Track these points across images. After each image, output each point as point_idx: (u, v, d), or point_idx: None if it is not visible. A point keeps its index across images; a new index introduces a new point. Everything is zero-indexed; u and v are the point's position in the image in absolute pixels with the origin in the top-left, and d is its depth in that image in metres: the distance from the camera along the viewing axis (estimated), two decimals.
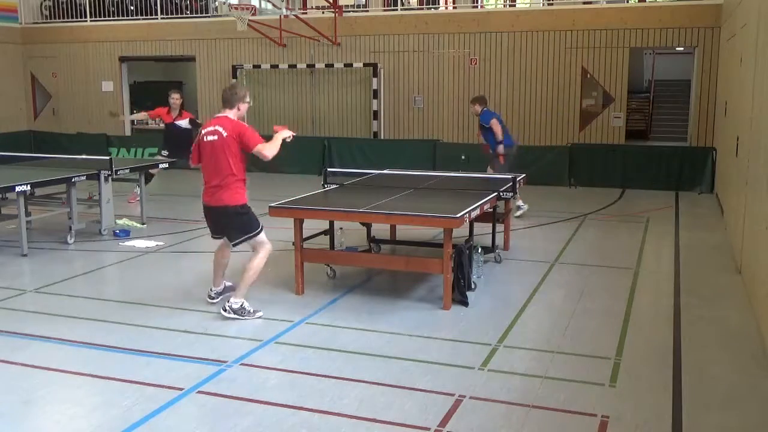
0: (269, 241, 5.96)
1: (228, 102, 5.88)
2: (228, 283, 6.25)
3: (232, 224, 5.84)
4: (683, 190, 12.40)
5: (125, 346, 5.23)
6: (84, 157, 10.29)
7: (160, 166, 10.58)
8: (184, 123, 10.90)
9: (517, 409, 4.19)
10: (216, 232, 6.03)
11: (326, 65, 15.37)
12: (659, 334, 5.50)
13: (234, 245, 5.94)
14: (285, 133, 6.00)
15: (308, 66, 15.52)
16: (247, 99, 5.95)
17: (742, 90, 8.10)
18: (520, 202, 9.94)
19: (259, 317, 5.83)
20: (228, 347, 5.21)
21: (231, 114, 5.87)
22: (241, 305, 5.81)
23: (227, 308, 5.80)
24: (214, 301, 6.14)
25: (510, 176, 7.51)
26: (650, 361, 4.97)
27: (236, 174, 5.79)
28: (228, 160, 5.75)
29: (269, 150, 5.83)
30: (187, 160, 6.48)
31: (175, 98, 10.98)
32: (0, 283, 6.89)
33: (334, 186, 7.70)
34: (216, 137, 5.74)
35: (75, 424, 4.03)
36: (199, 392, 4.43)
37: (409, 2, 18.67)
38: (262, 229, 5.88)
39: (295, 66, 15.61)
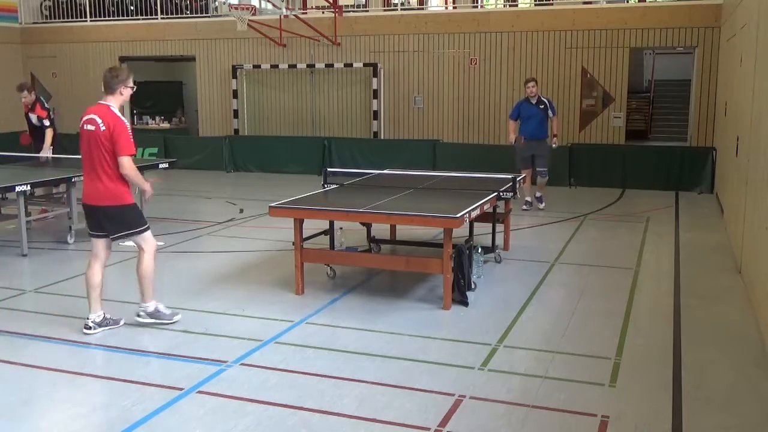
0: (154, 240, 5.65)
1: (108, 87, 5.38)
2: (108, 315, 5.55)
3: (113, 222, 5.39)
4: (683, 190, 12.39)
5: (125, 346, 5.23)
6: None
7: (160, 166, 10.57)
8: (33, 118, 10.61)
9: (517, 409, 4.19)
10: (94, 229, 5.48)
11: (326, 65, 15.38)
12: (659, 334, 5.50)
13: (113, 239, 5.48)
14: (146, 186, 5.55)
15: (308, 66, 15.53)
16: (130, 83, 5.45)
17: (742, 90, 8.10)
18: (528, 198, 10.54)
19: (178, 320, 5.65)
20: (228, 347, 5.21)
21: (113, 101, 5.39)
22: (155, 308, 5.61)
23: (142, 314, 5.59)
24: (94, 331, 5.41)
25: (510, 176, 7.51)
26: (650, 361, 4.97)
27: (114, 169, 5.29)
28: (103, 155, 5.27)
29: (131, 171, 5.32)
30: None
31: (21, 96, 10.59)
32: (0, 283, 6.89)
33: (334, 186, 7.70)
34: (93, 127, 5.28)
35: (75, 424, 4.03)
36: (199, 392, 4.43)
37: (408, 2, 18.68)
38: (148, 228, 5.52)
39: (295, 66, 15.62)
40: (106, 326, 5.49)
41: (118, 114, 5.38)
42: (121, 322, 5.58)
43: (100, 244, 5.51)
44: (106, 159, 5.28)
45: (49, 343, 5.31)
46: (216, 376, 4.67)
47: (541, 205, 10.55)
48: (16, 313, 6.08)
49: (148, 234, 5.54)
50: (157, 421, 4.05)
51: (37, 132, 10.52)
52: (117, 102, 5.42)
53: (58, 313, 5.97)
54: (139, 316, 5.62)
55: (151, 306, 5.62)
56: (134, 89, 5.56)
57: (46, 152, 10.31)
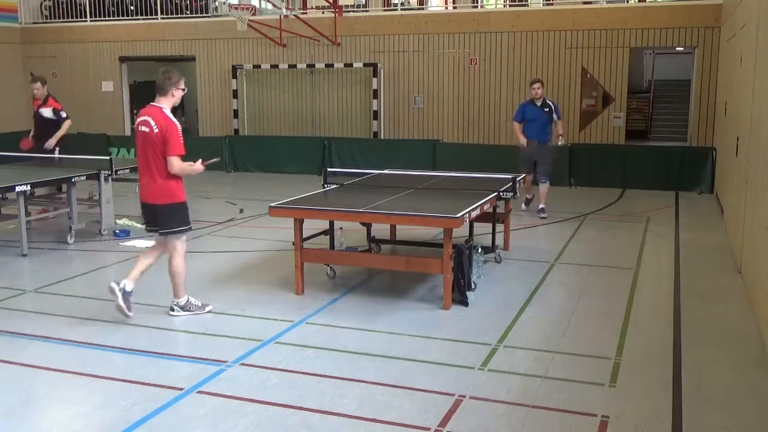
0: (186, 243, 5.93)
1: (161, 89, 5.61)
2: (133, 296, 5.78)
3: (164, 219, 5.70)
4: (683, 190, 12.39)
5: (125, 346, 5.23)
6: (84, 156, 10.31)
7: None
8: (47, 112, 10.62)
9: (517, 409, 4.19)
10: (149, 224, 5.86)
11: (326, 65, 15.38)
12: (659, 334, 5.50)
13: (162, 234, 5.78)
14: (197, 168, 5.75)
15: (308, 66, 15.53)
16: (182, 85, 5.70)
17: (742, 90, 8.10)
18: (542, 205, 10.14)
19: (209, 311, 5.95)
20: (228, 347, 5.21)
21: (165, 103, 5.61)
22: (187, 300, 5.90)
23: (175, 308, 5.88)
24: (118, 292, 5.68)
25: (510, 176, 7.51)
26: (650, 361, 4.97)
27: (165, 169, 5.58)
28: (157, 155, 5.55)
29: (179, 167, 5.58)
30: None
31: (33, 87, 10.58)
32: (0, 283, 6.89)
33: (334, 186, 7.70)
34: (147, 129, 5.53)
35: (75, 424, 4.03)
36: (199, 392, 4.43)
37: (408, 2, 18.68)
38: (187, 230, 5.84)
39: (295, 66, 15.62)
40: (125, 303, 5.64)
41: (170, 116, 5.61)
42: (131, 313, 5.70)
43: (158, 237, 5.89)
44: (160, 159, 5.56)
45: (49, 343, 5.31)
46: (216, 376, 4.67)
47: (543, 215, 10.04)
48: (16, 313, 6.08)
49: (185, 236, 5.87)
50: (157, 421, 4.05)
51: (48, 128, 10.47)
52: (169, 103, 5.66)
53: (58, 313, 5.98)
54: (172, 310, 5.90)
55: (183, 300, 5.90)
56: (185, 91, 5.80)
57: (53, 142, 10.26)
